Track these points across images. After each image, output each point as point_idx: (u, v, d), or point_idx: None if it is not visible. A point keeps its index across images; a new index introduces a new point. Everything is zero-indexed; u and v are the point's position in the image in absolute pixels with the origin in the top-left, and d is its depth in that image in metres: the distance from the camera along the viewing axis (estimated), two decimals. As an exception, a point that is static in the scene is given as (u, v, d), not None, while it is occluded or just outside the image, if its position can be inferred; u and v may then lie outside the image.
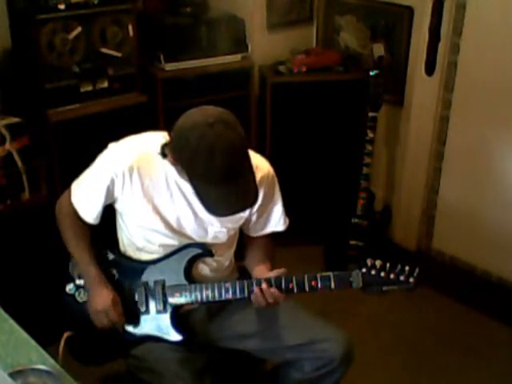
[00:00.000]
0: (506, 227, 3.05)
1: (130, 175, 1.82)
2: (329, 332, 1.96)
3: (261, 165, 1.90)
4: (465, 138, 3.13)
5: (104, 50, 2.84)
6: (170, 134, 1.74)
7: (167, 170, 1.84)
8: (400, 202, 3.51)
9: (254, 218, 1.99)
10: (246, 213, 1.95)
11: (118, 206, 1.92)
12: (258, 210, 1.97)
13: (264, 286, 1.83)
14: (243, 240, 2.10)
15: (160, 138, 1.83)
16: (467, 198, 3.19)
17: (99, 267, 1.94)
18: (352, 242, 3.32)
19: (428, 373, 2.78)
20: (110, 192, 1.86)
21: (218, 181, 1.64)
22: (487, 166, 3.08)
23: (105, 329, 1.93)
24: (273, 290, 1.83)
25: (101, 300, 1.90)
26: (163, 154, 1.79)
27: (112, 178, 1.83)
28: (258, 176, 1.81)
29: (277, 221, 2.02)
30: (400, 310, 3.16)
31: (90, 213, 1.92)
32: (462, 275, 3.25)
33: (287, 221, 2.05)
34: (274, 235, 2.07)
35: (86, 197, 1.92)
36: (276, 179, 1.98)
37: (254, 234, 2.05)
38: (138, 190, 1.84)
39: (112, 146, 1.89)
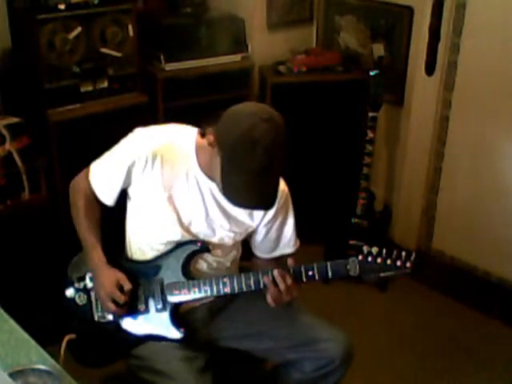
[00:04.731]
0: (506, 227, 3.05)
1: (153, 160, 1.82)
2: (329, 332, 1.96)
3: None
4: (465, 137, 3.13)
5: (104, 50, 2.84)
6: (215, 118, 1.74)
7: (189, 165, 1.84)
8: (400, 202, 3.51)
9: (263, 231, 1.98)
10: (256, 222, 1.95)
11: (131, 191, 1.91)
12: (268, 224, 1.96)
13: (276, 272, 1.80)
14: (251, 255, 2.09)
15: (187, 129, 1.86)
16: (467, 197, 3.19)
17: (104, 252, 1.93)
18: (352, 242, 3.32)
19: (428, 373, 2.78)
20: (129, 173, 1.85)
21: (249, 173, 1.66)
22: (487, 165, 3.08)
23: (119, 314, 1.92)
24: (285, 275, 1.79)
25: (105, 283, 1.88)
26: (202, 134, 1.80)
27: (134, 160, 1.83)
28: None
29: (287, 241, 2.02)
30: (400, 310, 3.17)
31: (108, 193, 1.92)
32: (462, 275, 3.25)
33: (298, 243, 2.04)
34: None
35: (104, 176, 1.91)
36: (290, 199, 1.98)
37: (264, 254, 2.04)
38: (157, 176, 1.84)
39: (138, 130, 1.90)
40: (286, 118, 3.71)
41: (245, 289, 1.86)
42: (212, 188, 1.85)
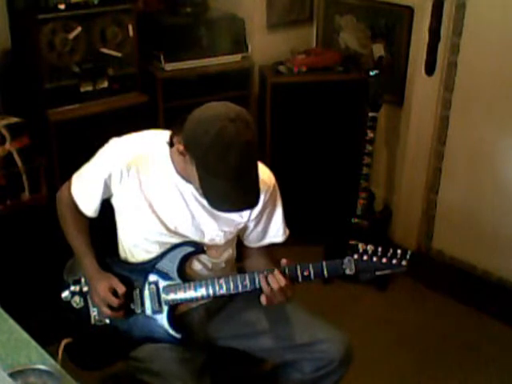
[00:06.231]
0: (506, 227, 3.05)
1: (128, 172, 1.82)
2: (328, 333, 1.96)
3: (263, 173, 1.86)
4: (465, 137, 3.13)
5: (104, 50, 2.84)
6: (180, 125, 1.72)
7: (167, 172, 1.84)
8: (400, 202, 3.51)
9: (251, 224, 1.98)
10: (244, 218, 1.94)
11: (114, 202, 1.92)
12: (256, 218, 1.95)
13: (270, 272, 1.80)
14: (241, 246, 2.08)
15: (163, 136, 1.84)
16: (467, 197, 3.20)
17: (96, 259, 1.94)
18: (352, 242, 3.32)
19: (428, 373, 2.77)
20: (107, 186, 1.86)
21: (227, 177, 1.63)
22: (487, 165, 3.08)
23: (116, 318, 1.92)
24: (278, 275, 1.79)
25: (98, 290, 1.89)
26: (170, 144, 1.79)
27: (110, 173, 1.83)
28: (260, 184, 1.78)
29: (276, 231, 2.01)
30: (400, 309, 3.16)
31: (89, 205, 1.93)
32: (462, 275, 3.25)
33: (287, 232, 2.03)
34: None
35: (84, 189, 1.93)
36: (278, 189, 1.97)
37: (253, 244, 2.03)
38: (135, 187, 1.84)
39: (114, 140, 1.89)
40: (286, 117, 3.72)
41: (240, 289, 1.85)
42: (194, 192, 1.83)
